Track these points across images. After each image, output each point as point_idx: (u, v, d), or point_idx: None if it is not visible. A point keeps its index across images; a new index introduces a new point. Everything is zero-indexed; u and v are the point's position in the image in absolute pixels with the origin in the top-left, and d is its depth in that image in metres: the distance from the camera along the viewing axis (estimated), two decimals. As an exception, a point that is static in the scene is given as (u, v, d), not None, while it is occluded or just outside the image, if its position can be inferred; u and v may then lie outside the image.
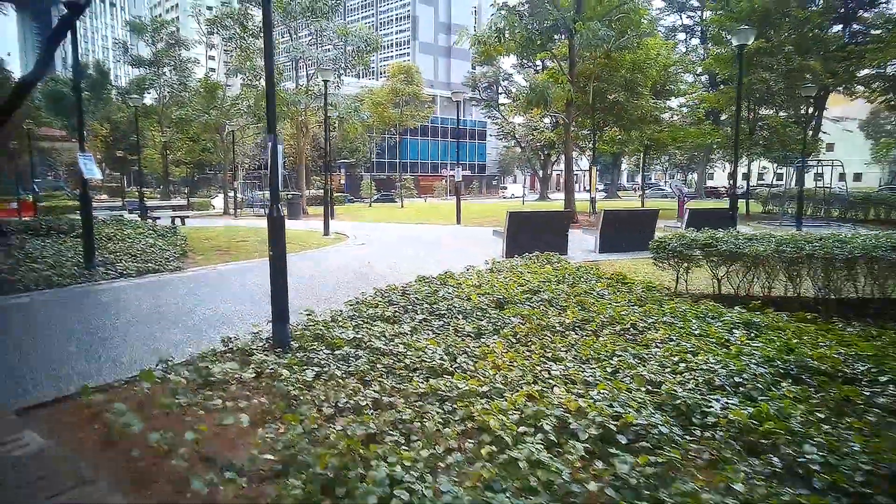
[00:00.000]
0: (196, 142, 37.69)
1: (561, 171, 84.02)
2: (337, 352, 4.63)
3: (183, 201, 36.91)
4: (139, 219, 20.99)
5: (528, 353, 4.62)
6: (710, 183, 71.82)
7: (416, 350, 4.59)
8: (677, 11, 60.51)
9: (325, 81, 15.23)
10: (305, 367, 4.34)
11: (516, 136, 71.34)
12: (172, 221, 21.13)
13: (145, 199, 45.14)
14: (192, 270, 9.77)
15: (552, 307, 6.07)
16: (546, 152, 68.61)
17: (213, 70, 44.18)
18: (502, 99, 70.21)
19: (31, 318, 6.45)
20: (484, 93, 69.89)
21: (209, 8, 28.96)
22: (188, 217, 21.58)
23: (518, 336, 5.10)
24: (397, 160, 79.85)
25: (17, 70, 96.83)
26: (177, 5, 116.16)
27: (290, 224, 21.86)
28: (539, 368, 4.20)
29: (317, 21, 24.71)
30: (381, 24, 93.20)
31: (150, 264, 9.62)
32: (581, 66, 19.16)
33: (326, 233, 15.33)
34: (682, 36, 59.77)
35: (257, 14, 28.01)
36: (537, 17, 16.26)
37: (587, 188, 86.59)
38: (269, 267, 5.23)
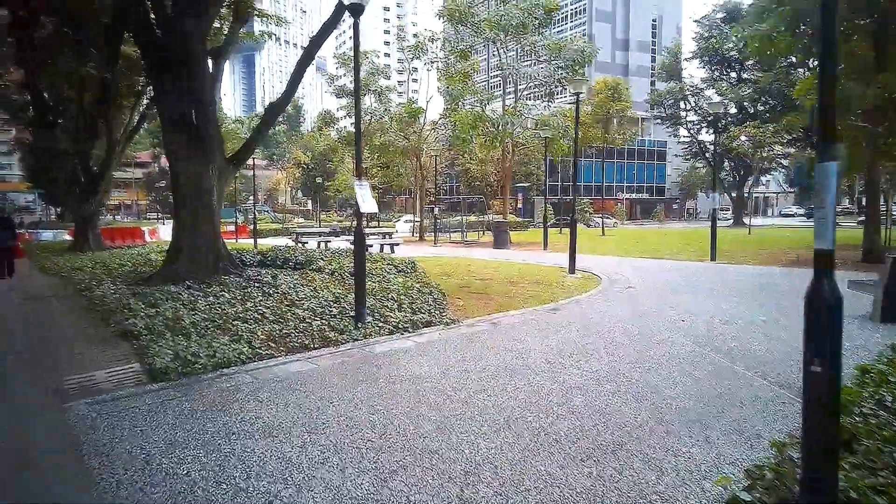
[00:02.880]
0: (388, 167, 38.21)
1: (756, 192, 74.61)
2: None
3: (374, 226, 37.48)
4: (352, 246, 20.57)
5: None
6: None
7: None
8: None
9: (577, 94, 13.05)
10: None
11: (707, 154, 65.09)
12: (381, 249, 20.46)
13: (333, 224, 47.26)
14: (467, 324, 7.93)
15: None
16: (742, 172, 61.48)
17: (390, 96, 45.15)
18: (690, 116, 64.30)
19: (349, 404, 4.82)
20: (668, 110, 64.43)
21: (420, 36, 28.75)
22: (398, 245, 20.75)
23: None
24: (571, 183, 76.92)
25: (228, 108, 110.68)
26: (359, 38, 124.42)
27: (506, 255, 20.20)
28: None
29: (528, 37, 23.07)
30: (531, 51, 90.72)
31: (420, 315, 7.96)
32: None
33: (572, 271, 13.04)
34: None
35: (458, 37, 27.24)
36: None
37: (783, 212, 75.68)
38: (802, 384, 2.89)
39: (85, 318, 8.43)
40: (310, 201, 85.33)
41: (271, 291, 9.20)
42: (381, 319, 7.66)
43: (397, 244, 20.84)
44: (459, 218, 29.09)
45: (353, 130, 31.73)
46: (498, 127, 21.95)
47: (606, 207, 76.80)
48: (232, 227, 36.40)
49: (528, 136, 24.18)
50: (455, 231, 28.82)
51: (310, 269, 11.93)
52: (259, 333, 6.76)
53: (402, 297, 8.80)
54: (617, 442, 3.96)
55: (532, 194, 67.40)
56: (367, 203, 7.52)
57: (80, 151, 22.58)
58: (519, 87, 24.36)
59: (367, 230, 25.44)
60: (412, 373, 5.64)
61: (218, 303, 8.42)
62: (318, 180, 48.88)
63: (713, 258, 15.93)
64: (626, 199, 78.45)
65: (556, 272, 13.48)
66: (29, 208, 56.00)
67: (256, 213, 34.91)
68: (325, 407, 4.69)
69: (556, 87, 25.94)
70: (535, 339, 6.96)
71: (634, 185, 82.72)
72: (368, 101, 35.06)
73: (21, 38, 18.83)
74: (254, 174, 32.77)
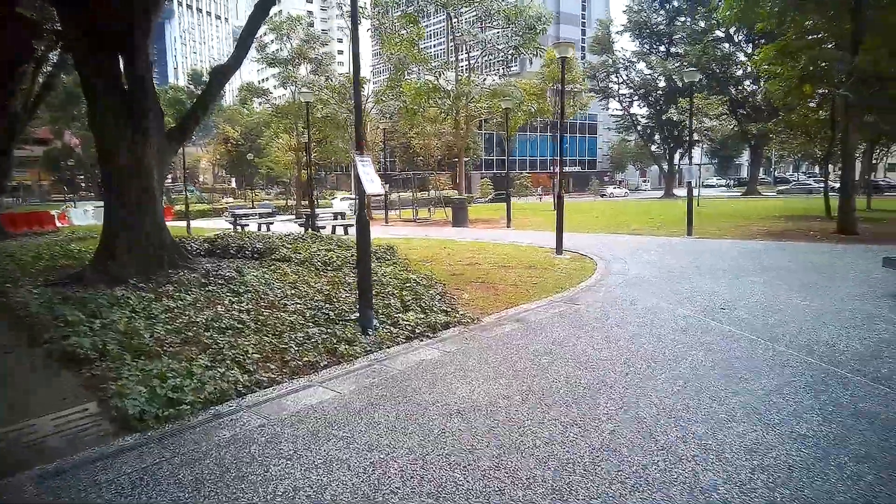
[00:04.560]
0: (324, 143, 35.99)
1: (682, 164, 77.28)
2: None
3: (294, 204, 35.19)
4: (301, 229, 18.94)
5: None
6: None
7: None
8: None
9: (563, 58, 11.93)
10: None
11: (638, 127, 66.20)
12: (333, 231, 18.93)
13: (265, 202, 44.35)
14: (490, 323, 6.79)
15: None
16: (671, 144, 62.96)
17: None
18: (622, 89, 65.07)
19: (410, 455, 3.60)
20: (601, 83, 64.72)
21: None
22: (351, 226, 19.20)
23: None
24: (505, 158, 76.55)
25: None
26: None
27: (471, 234, 18.92)
28: None
29: (478, 2, 21.76)
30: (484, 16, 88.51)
31: (433, 314, 6.73)
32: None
33: (560, 252, 12.15)
34: None
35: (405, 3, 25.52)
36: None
37: (705, 183, 78.63)
38: None
39: (6, 334, 6.63)
40: (233, 179, 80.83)
41: (240, 290, 7.71)
42: (390, 322, 6.39)
43: (351, 224, 19.28)
44: (410, 195, 27.73)
45: (285, 104, 29.28)
46: (453, 98, 20.64)
47: (541, 181, 77.30)
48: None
49: (482, 107, 23.04)
50: (405, 208, 27.39)
51: (273, 259, 10.40)
52: (248, 350, 5.36)
53: (404, 292, 7.53)
54: (800, 499, 2.99)
55: (469, 169, 66.54)
56: (374, 183, 6.15)
57: (-28, 127, 19.42)
58: (472, 55, 23.06)
59: (305, 210, 23.53)
60: (461, 398, 4.46)
61: (179, 307, 6.87)
62: (249, 157, 45.75)
63: (689, 233, 15.53)
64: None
65: (542, 253, 12.55)
66: None
67: (185, 192, 32.13)
68: (382, 463, 3.45)
69: (511, 55, 24.84)
70: (581, 342, 5.93)
71: (567, 158, 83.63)
72: (304, 70, 32.76)
73: None
74: (183, 150, 29.85)
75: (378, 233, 19.44)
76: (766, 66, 16.83)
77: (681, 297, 7.97)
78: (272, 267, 9.42)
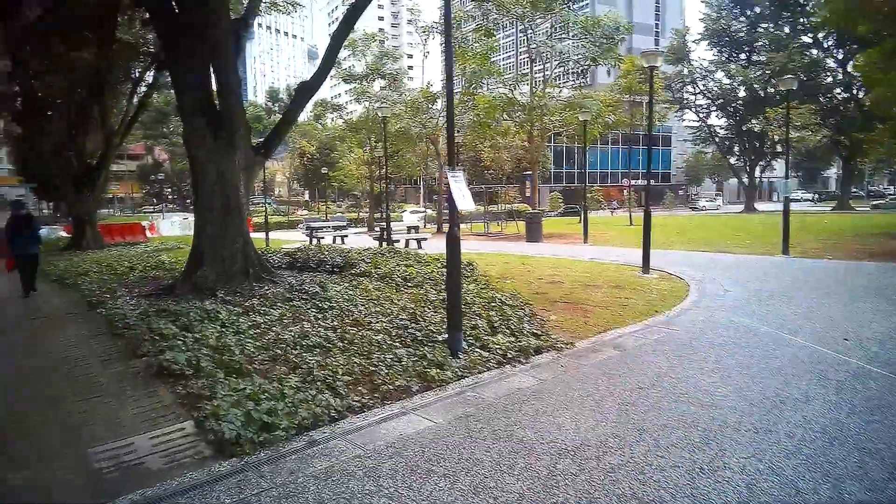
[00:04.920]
0: (394, 156, 36.38)
1: (763, 177, 73.18)
2: None
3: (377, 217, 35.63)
4: (376, 242, 19.04)
5: None
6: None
7: None
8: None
9: (651, 68, 11.41)
10: None
11: (716, 139, 63.48)
12: (407, 245, 18.90)
13: (338, 215, 45.41)
14: (584, 348, 6.39)
15: None
16: (753, 156, 59.76)
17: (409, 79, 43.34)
18: (699, 100, 62.56)
19: (520, 501, 3.30)
20: (676, 94, 62.40)
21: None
22: (425, 240, 19.17)
23: None
24: (575, 171, 75.02)
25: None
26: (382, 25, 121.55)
27: (548, 249, 18.34)
28: None
29: (556, 12, 21.38)
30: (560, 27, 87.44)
31: (523, 338, 6.41)
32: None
33: (647, 270, 11.54)
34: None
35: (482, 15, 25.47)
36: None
37: (785, 197, 74.17)
38: None
39: (105, 345, 6.84)
40: (307, 192, 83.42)
41: (325, 306, 7.65)
42: (479, 345, 6.12)
43: (425, 238, 19.26)
44: (480, 208, 27.53)
45: (358, 119, 29.75)
46: (528, 111, 20.31)
47: (612, 194, 75.22)
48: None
49: (556, 119, 22.59)
50: (475, 222, 27.18)
51: (353, 274, 10.38)
52: (338, 371, 5.21)
53: (491, 312, 7.24)
54: None
55: (538, 183, 65.70)
56: (466, 198, 5.93)
57: (74, 143, 20.83)
58: (547, 67, 22.68)
59: (382, 224, 23.73)
60: (568, 435, 4.09)
61: (266, 322, 6.87)
62: (324, 170, 47.06)
63: (785, 251, 14.43)
64: (632, 185, 76.53)
65: (627, 272, 11.96)
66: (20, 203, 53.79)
67: (264, 205, 33.34)
68: (493, 510, 3.16)
69: (588, 65, 24.28)
70: (689, 373, 5.42)
71: (640, 171, 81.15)
72: (377, 86, 33.34)
73: (6, 24, 16.93)
74: (263, 164, 31.03)
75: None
76: (867, 72, 15.56)
77: (793, 323, 7.26)
78: (353, 282, 9.37)
